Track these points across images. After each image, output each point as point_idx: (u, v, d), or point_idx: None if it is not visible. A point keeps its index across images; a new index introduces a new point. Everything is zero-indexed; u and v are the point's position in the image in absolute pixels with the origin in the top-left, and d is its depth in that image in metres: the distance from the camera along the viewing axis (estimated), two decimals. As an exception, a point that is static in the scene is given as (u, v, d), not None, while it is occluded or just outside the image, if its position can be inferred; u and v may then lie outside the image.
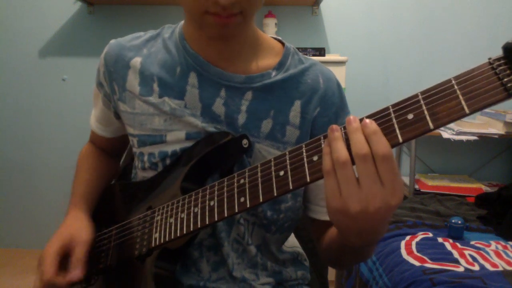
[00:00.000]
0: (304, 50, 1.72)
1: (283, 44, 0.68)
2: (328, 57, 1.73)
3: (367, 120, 0.41)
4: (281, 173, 0.48)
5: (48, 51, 2.07)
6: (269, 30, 1.84)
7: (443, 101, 0.39)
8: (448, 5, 1.96)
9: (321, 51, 1.74)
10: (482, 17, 1.96)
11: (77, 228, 0.67)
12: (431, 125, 0.39)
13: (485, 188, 1.82)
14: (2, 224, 2.24)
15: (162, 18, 1.96)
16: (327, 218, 0.67)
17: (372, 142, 0.40)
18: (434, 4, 1.96)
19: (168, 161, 0.65)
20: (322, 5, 1.97)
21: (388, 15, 1.98)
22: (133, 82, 0.66)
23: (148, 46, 0.68)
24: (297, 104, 0.65)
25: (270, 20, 1.84)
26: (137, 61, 0.66)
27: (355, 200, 0.40)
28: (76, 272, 0.62)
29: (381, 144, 0.39)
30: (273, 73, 0.64)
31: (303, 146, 0.47)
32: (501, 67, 0.37)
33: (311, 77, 0.66)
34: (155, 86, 0.64)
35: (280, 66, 0.65)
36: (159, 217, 0.61)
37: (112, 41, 0.70)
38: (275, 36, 0.70)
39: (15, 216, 2.23)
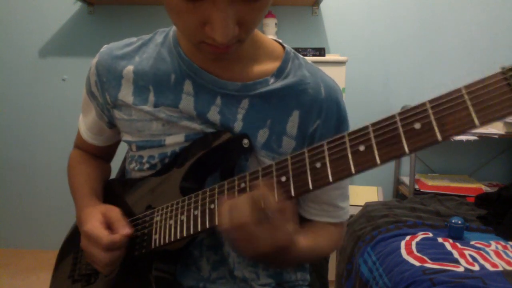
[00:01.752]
0: (304, 50, 1.72)
1: (284, 47, 0.66)
2: (328, 57, 1.73)
3: (259, 182, 0.49)
4: (283, 179, 0.47)
5: (48, 51, 2.07)
6: (269, 30, 1.84)
7: (452, 112, 0.37)
8: (448, 5, 1.96)
9: (321, 51, 1.74)
10: (482, 17, 1.96)
11: (105, 206, 0.65)
12: (439, 137, 0.37)
13: (485, 188, 1.82)
14: (2, 224, 2.24)
15: (162, 18, 1.97)
16: (307, 216, 0.70)
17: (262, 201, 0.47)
18: (435, 4, 1.96)
19: (167, 161, 0.65)
20: (322, 5, 1.97)
21: (388, 15, 1.98)
22: (126, 91, 0.65)
23: (140, 52, 0.66)
24: (296, 115, 0.63)
25: (270, 20, 1.84)
26: (129, 70, 0.65)
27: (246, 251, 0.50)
28: (126, 229, 0.59)
29: (270, 203, 0.46)
30: (271, 80, 0.62)
31: (306, 152, 0.47)
32: None
33: (312, 86, 0.64)
34: (150, 96, 0.63)
35: (279, 73, 0.63)
36: (158, 218, 0.61)
37: (103, 49, 0.68)
38: (275, 38, 0.68)
39: (15, 216, 2.23)
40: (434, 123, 0.38)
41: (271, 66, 0.63)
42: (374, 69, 2.02)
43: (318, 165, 0.45)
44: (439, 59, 1.99)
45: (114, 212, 0.62)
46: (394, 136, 0.40)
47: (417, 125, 0.39)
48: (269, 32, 1.83)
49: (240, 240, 0.49)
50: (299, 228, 0.60)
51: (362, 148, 0.42)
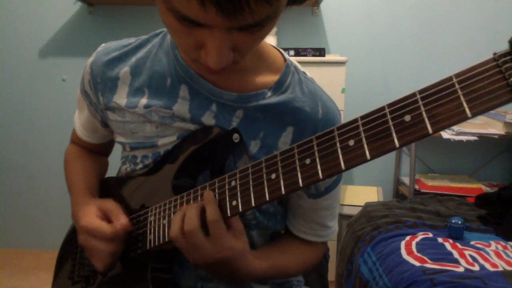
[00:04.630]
0: (304, 50, 1.72)
1: (285, 59, 0.64)
2: (328, 58, 1.72)
3: (205, 192, 0.53)
4: (273, 176, 0.46)
5: (48, 51, 2.07)
6: (269, 30, 1.84)
7: (442, 102, 0.35)
8: (448, 5, 1.96)
9: (321, 52, 1.73)
10: (483, 18, 1.95)
11: (99, 200, 0.65)
12: (429, 129, 0.36)
13: (485, 188, 1.82)
14: (2, 224, 2.24)
15: (162, 18, 1.97)
16: (294, 232, 0.71)
17: (206, 211, 0.51)
18: (435, 4, 1.96)
19: (159, 160, 0.64)
20: (322, 5, 1.97)
21: (388, 16, 1.98)
22: (121, 93, 0.64)
23: (136, 53, 0.65)
24: (289, 131, 0.62)
25: (270, 20, 1.83)
26: (126, 71, 0.64)
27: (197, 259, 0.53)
28: (124, 220, 0.59)
29: (210, 213, 0.51)
30: (269, 93, 0.60)
31: (295, 148, 0.46)
32: (507, 65, 0.33)
33: (309, 104, 0.62)
34: (144, 98, 0.62)
35: (277, 86, 0.61)
36: (152, 218, 0.60)
37: (100, 49, 0.67)
38: (277, 48, 0.66)
39: (15, 216, 2.23)
40: (424, 115, 0.36)
41: (270, 78, 0.62)
42: (374, 69, 2.02)
43: (307, 161, 0.44)
44: (439, 59, 1.99)
45: (110, 203, 0.62)
46: (384, 129, 0.38)
47: (407, 118, 0.37)
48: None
49: (186, 247, 0.52)
50: (255, 251, 0.63)
51: (351, 143, 0.40)
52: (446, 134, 1.71)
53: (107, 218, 0.61)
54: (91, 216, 0.60)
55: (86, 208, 0.63)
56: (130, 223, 0.60)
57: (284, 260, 0.67)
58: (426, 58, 1.99)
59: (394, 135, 0.38)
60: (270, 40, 1.80)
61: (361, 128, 0.40)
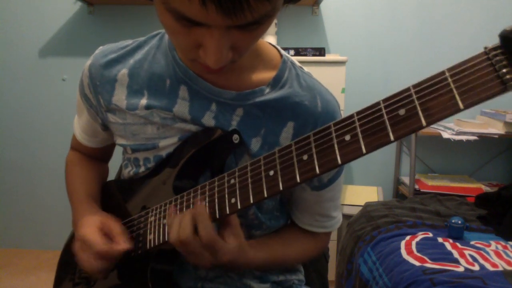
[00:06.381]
0: (304, 50, 1.72)
1: (281, 55, 0.65)
2: (328, 57, 1.72)
3: (197, 203, 0.54)
4: (271, 173, 0.47)
5: (48, 51, 2.07)
6: (269, 30, 1.84)
7: (436, 96, 0.36)
8: (448, 6, 1.96)
9: (321, 51, 1.73)
10: (483, 19, 1.95)
11: (102, 214, 0.65)
12: (423, 122, 0.36)
13: (485, 188, 1.82)
14: (2, 224, 2.24)
15: (162, 18, 1.97)
16: (299, 224, 0.71)
17: (197, 225, 0.52)
18: (434, 4, 1.96)
19: (160, 162, 0.64)
20: (322, 5, 1.97)
21: (388, 15, 1.98)
22: (120, 95, 0.64)
23: (134, 55, 0.65)
24: (290, 126, 0.62)
25: (270, 20, 1.83)
26: (124, 73, 0.64)
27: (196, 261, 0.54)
28: (124, 243, 0.59)
29: (202, 230, 0.51)
30: (267, 90, 0.61)
31: (293, 144, 0.46)
32: (497, 58, 0.34)
33: (308, 98, 0.62)
34: (144, 99, 0.62)
35: (275, 82, 0.61)
36: (153, 218, 0.61)
37: (98, 51, 0.67)
38: (274, 44, 0.67)
39: (15, 216, 2.23)
40: (418, 108, 0.37)
41: (268, 75, 0.62)
42: (374, 69, 2.02)
43: (305, 157, 0.44)
44: (439, 59, 1.99)
45: (115, 224, 0.62)
46: (379, 124, 0.39)
47: (402, 111, 0.38)
48: (269, 32, 1.83)
49: (185, 253, 0.53)
50: (253, 241, 0.63)
51: (348, 137, 0.41)
52: (446, 134, 1.71)
53: (108, 235, 0.60)
54: (91, 228, 0.60)
55: (89, 218, 0.63)
56: (131, 247, 0.60)
57: (285, 250, 0.67)
58: (426, 58, 1.99)
59: (389, 128, 0.38)
60: (270, 39, 1.80)
61: (357, 123, 0.41)
